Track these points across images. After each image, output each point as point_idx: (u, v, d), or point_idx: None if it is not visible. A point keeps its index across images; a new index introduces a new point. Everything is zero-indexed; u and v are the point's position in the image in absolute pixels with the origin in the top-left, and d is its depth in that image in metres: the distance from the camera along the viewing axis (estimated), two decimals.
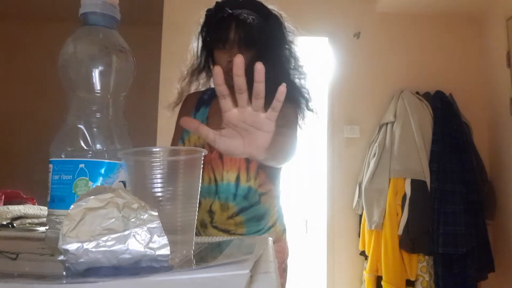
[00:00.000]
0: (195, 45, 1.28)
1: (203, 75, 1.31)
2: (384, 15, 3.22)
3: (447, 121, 2.87)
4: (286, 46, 1.23)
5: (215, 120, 1.16)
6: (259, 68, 0.61)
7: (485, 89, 3.17)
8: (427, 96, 3.02)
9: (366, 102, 3.16)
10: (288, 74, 1.22)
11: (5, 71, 3.92)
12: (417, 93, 3.04)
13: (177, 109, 1.34)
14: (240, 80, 0.61)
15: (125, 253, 0.41)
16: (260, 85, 0.62)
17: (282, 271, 1.24)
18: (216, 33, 1.17)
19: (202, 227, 1.20)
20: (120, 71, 0.65)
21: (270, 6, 1.23)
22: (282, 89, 0.63)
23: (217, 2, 1.22)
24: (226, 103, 0.65)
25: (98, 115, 0.63)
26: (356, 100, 3.14)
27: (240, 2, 1.19)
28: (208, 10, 1.22)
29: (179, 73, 1.32)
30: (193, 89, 1.33)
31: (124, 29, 0.70)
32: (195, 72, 1.30)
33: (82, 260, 0.40)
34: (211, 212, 1.18)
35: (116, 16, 0.66)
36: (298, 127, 1.20)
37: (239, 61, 0.61)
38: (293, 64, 1.23)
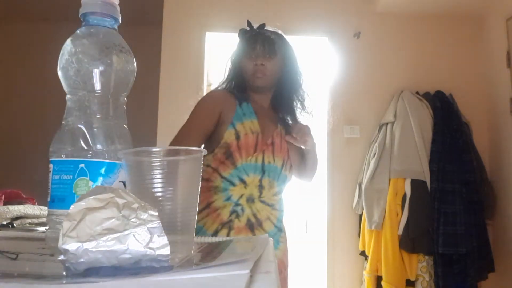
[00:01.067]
0: (229, 62, 1.53)
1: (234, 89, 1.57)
2: (384, 15, 3.22)
3: (447, 121, 2.87)
4: (300, 71, 1.53)
5: (260, 115, 1.45)
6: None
7: (485, 89, 3.17)
8: (427, 96, 3.02)
9: (366, 102, 3.16)
10: (299, 82, 1.53)
11: (5, 71, 3.92)
12: (417, 93, 3.04)
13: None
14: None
15: (125, 253, 0.41)
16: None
17: (283, 280, 1.41)
18: (246, 45, 1.46)
19: (248, 202, 1.37)
20: (120, 71, 0.65)
21: (286, 38, 1.53)
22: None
23: (248, 21, 1.50)
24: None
25: (98, 115, 0.63)
26: (356, 100, 3.14)
27: (265, 27, 1.50)
28: (241, 30, 1.50)
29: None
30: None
31: (124, 29, 0.70)
32: (227, 85, 1.53)
33: (82, 260, 0.40)
34: (261, 187, 1.39)
35: (116, 16, 0.66)
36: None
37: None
38: (302, 85, 1.53)
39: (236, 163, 1.36)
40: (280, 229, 1.44)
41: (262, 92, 1.49)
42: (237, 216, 1.35)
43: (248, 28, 1.49)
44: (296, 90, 1.51)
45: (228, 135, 1.36)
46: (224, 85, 1.52)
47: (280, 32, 1.52)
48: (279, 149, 1.44)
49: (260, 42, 1.44)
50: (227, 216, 1.34)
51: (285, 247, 1.46)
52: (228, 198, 1.35)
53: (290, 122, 1.52)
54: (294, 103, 1.51)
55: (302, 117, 1.54)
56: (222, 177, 1.36)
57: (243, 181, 1.36)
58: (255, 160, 1.38)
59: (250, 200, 1.37)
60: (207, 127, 1.40)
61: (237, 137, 1.37)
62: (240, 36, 1.50)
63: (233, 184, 1.36)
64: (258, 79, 1.43)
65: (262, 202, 1.39)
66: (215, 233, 1.32)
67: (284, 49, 1.48)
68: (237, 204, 1.35)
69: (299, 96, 1.52)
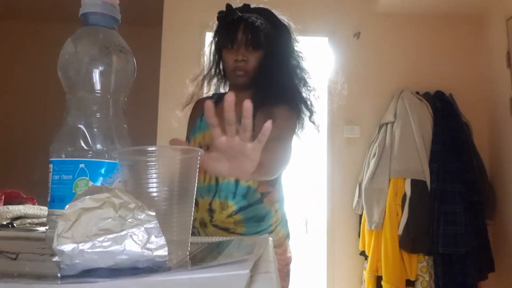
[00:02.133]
0: (208, 50, 1.32)
1: (215, 80, 1.34)
2: (384, 15, 3.22)
3: (447, 121, 2.87)
4: (294, 55, 1.26)
5: (220, 122, 1.18)
6: (247, 106, 0.64)
7: (485, 89, 3.17)
8: (427, 96, 3.02)
9: (366, 102, 3.15)
10: (293, 81, 1.25)
11: (5, 71, 3.92)
12: (417, 93, 3.04)
13: (187, 109, 1.37)
14: (230, 115, 0.66)
15: (122, 254, 0.40)
16: (247, 121, 0.66)
17: (285, 275, 1.26)
18: (225, 33, 1.22)
19: (202, 226, 1.22)
20: (120, 71, 0.65)
21: (280, 16, 1.27)
22: (268, 126, 0.67)
23: (228, 4, 1.25)
24: (216, 131, 0.69)
25: (98, 115, 0.63)
26: (356, 100, 3.14)
27: (250, 8, 1.24)
28: (220, 12, 1.26)
29: (192, 74, 1.37)
30: (204, 92, 1.36)
31: (124, 29, 0.70)
32: (206, 77, 1.33)
33: (77, 261, 0.40)
34: (211, 211, 1.21)
35: (116, 16, 0.66)
36: (293, 137, 1.20)
37: (230, 99, 0.64)
38: (300, 74, 1.26)
39: None
40: None
41: (243, 88, 1.22)
42: None
43: (229, 11, 1.23)
44: (284, 82, 1.21)
45: None
46: (206, 78, 1.32)
47: (271, 10, 1.26)
48: None
49: (242, 30, 1.18)
50: None
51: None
52: None
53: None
54: (282, 101, 1.19)
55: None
56: None
57: (196, 204, 1.20)
58: (209, 180, 1.21)
59: (203, 224, 1.22)
60: None
61: None
62: (218, 20, 1.26)
63: None
64: (238, 78, 1.20)
65: (215, 226, 1.21)
66: None
67: (273, 34, 1.20)
68: (194, 227, 1.22)
69: (289, 86, 1.23)
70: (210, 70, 1.32)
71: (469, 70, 3.21)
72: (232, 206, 1.20)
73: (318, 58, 3.24)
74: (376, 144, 2.92)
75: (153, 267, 0.41)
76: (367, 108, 3.14)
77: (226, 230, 1.21)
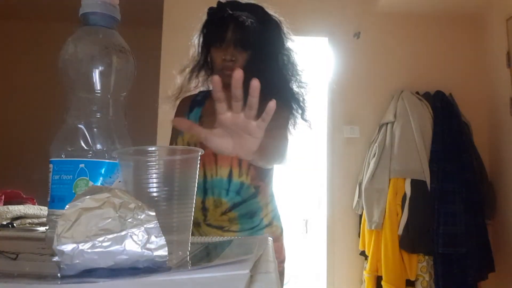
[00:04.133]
0: (197, 42, 1.30)
1: (203, 72, 1.32)
2: (384, 15, 3.22)
3: (447, 121, 2.87)
4: (285, 52, 1.25)
5: (208, 118, 1.20)
6: (255, 85, 0.66)
7: (485, 89, 3.17)
8: (427, 96, 3.02)
9: (366, 102, 3.15)
10: (284, 79, 1.24)
11: (5, 71, 3.92)
12: (417, 93, 3.04)
13: (177, 102, 1.36)
14: (238, 91, 0.67)
15: (122, 254, 0.40)
16: (254, 99, 0.67)
17: (280, 274, 1.23)
18: (214, 31, 1.21)
19: (195, 226, 1.20)
20: (120, 71, 0.65)
21: (271, 12, 1.26)
22: (272, 105, 0.67)
23: (219, 2, 1.24)
24: (221, 106, 0.70)
25: (98, 115, 0.63)
26: (356, 100, 3.14)
27: (241, 4, 1.22)
28: (210, 9, 1.25)
29: (180, 66, 1.34)
30: (192, 85, 1.34)
31: (124, 29, 0.70)
32: (195, 69, 1.31)
33: (77, 261, 0.39)
34: (204, 209, 1.19)
35: (116, 16, 0.66)
36: (288, 132, 1.20)
37: (238, 76, 0.66)
38: (291, 71, 1.25)
39: None
40: None
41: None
42: None
43: (219, 9, 1.21)
44: (274, 79, 1.19)
45: None
46: (192, 73, 1.30)
47: (262, 6, 1.23)
48: (221, 156, 1.16)
49: (231, 29, 1.16)
50: None
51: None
52: None
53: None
54: (271, 94, 1.16)
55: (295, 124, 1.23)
56: None
57: None
58: (202, 177, 1.19)
59: (196, 224, 1.20)
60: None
61: None
62: (208, 16, 1.25)
63: None
64: (226, 77, 1.17)
65: (208, 225, 1.20)
66: None
67: (263, 31, 1.19)
68: None
69: (279, 83, 1.21)
70: (198, 62, 1.30)
71: (469, 70, 3.21)
72: (226, 203, 1.19)
73: (318, 58, 3.25)
74: (376, 144, 2.92)
75: (153, 267, 0.41)
76: (367, 108, 3.14)
77: (221, 228, 1.19)
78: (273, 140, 1.02)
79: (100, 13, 0.64)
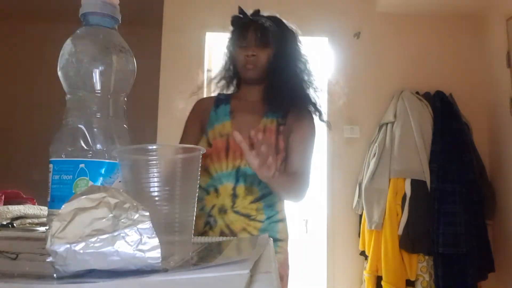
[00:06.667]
0: (226, 51, 1.43)
1: (223, 81, 1.45)
2: (384, 15, 3.22)
3: (447, 121, 2.87)
4: (301, 58, 1.38)
5: (238, 114, 1.35)
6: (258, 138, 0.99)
7: (485, 89, 3.17)
8: (427, 96, 3.02)
9: (366, 102, 3.15)
10: (301, 83, 1.36)
11: (5, 71, 3.92)
12: (417, 93, 3.04)
13: (191, 99, 1.48)
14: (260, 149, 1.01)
15: (114, 255, 0.39)
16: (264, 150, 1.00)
17: (285, 284, 1.32)
18: (238, 33, 1.36)
19: (220, 213, 1.26)
20: (120, 71, 0.65)
21: (288, 23, 1.40)
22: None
23: (240, 8, 1.39)
24: (249, 155, 1.03)
25: (98, 115, 0.63)
26: (356, 100, 3.14)
27: (260, 14, 1.38)
28: (233, 17, 1.40)
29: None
30: (212, 88, 1.50)
31: (124, 29, 0.70)
32: (226, 77, 1.44)
33: (70, 262, 0.39)
34: (234, 196, 1.26)
35: (116, 16, 0.66)
36: (313, 148, 1.40)
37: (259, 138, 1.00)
38: (308, 76, 1.38)
39: (211, 173, 1.28)
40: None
41: (255, 83, 1.36)
42: (211, 228, 1.26)
43: (241, 15, 1.38)
44: (292, 80, 1.33)
45: (202, 145, 1.26)
46: (218, 78, 1.44)
47: (278, 16, 1.40)
48: None
49: (252, 30, 1.32)
50: (202, 227, 1.27)
51: (280, 258, 1.29)
52: (202, 208, 1.27)
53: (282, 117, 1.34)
54: (291, 94, 1.33)
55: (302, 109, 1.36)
56: (200, 186, 1.29)
57: (216, 190, 1.27)
58: (228, 167, 1.27)
59: (222, 211, 1.26)
60: (194, 141, 1.34)
61: (209, 145, 1.29)
62: (232, 23, 1.40)
63: (207, 193, 1.28)
64: (248, 71, 1.31)
65: (236, 212, 1.26)
66: None
67: (281, 36, 1.34)
68: (209, 215, 1.27)
69: (297, 86, 1.35)
70: (227, 70, 1.43)
71: (469, 70, 3.21)
72: (257, 192, 1.27)
73: (318, 58, 3.24)
74: (376, 144, 2.91)
75: (146, 270, 0.40)
76: (367, 108, 3.14)
77: (248, 217, 1.26)
78: (290, 183, 1.26)
79: (100, 13, 0.64)
